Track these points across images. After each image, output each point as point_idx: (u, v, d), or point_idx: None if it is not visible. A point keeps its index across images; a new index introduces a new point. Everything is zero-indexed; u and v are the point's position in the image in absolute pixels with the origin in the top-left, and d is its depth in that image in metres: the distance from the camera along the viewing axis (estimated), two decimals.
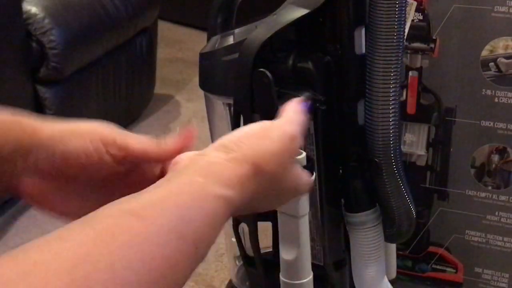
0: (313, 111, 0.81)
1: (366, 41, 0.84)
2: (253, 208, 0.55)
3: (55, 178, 0.55)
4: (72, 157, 0.55)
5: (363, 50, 0.85)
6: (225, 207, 0.47)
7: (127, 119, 2.27)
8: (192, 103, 2.46)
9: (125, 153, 0.58)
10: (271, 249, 0.94)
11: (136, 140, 0.59)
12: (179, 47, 2.95)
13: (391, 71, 0.83)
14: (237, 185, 0.49)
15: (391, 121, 0.85)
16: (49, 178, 0.55)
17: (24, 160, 0.54)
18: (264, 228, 0.92)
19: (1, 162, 0.53)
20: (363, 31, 0.84)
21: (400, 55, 0.82)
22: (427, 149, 1.22)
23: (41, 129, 0.55)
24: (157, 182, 0.46)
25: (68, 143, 0.55)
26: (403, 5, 0.81)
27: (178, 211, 0.43)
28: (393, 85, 0.83)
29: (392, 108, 0.84)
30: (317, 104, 0.81)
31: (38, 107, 1.88)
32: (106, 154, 0.57)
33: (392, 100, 0.84)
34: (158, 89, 2.48)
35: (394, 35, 0.81)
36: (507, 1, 1.09)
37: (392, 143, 0.86)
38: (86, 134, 0.56)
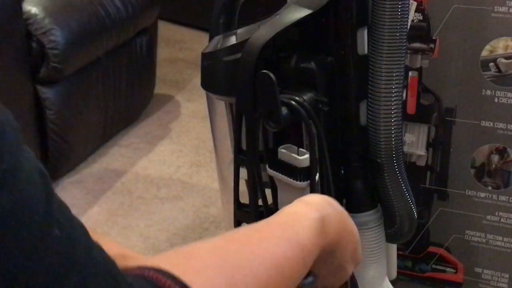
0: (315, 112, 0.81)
1: (368, 41, 0.85)
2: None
3: None
4: None
5: (366, 51, 0.85)
6: (318, 223, 0.57)
7: (127, 119, 2.27)
8: (192, 103, 2.46)
9: None
10: None
11: None
12: (179, 47, 2.94)
13: (394, 72, 0.83)
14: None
15: (393, 121, 0.85)
16: None
17: None
18: None
19: None
20: (365, 31, 0.84)
21: (402, 55, 0.83)
22: (427, 149, 1.22)
23: None
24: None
25: None
26: (406, 6, 0.81)
27: (283, 226, 0.56)
28: (396, 85, 0.84)
29: (394, 109, 0.84)
30: (320, 105, 0.81)
31: (38, 107, 1.88)
32: None
33: (395, 100, 0.84)
34: (158, 89, 2.48)
35: (397, 35, 0.81)
36: (507, 1, 1.09)
37: (394, 143, 0.86)
38: None
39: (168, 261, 0.47)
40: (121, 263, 0.46)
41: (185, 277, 0.45)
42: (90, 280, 0.39)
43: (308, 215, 0.57)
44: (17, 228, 0.36)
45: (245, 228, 0.57)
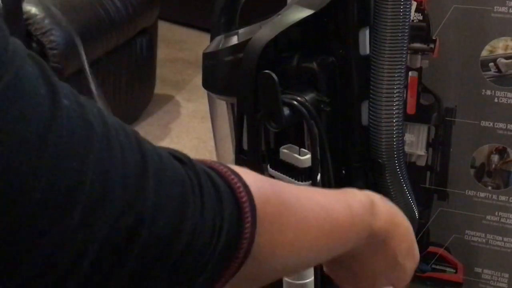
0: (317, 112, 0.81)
1: (370, 42, 0.85)
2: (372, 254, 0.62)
3: None
4: None
5: (368, 51, 0.85)
6: (369, 204, 0.59)
7: (127, 119, 2.27)
8: (192, 103, 2.46)
9: None
10: None
11: None
12: (179, 47, 2.94)
13: (396, 72, 0.83)
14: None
15: (395, 122, 0.85)
16: None
17: None
18: None
19: None
20: (367, 31, 0.85)
21: (404, 56, 0.83)
22: (427, 149, 1.22)
23: None
24: None
25: None
26: (408, 6, 0.81)
27: (336, 195, 0.58)
28: (397, 86, 0.84)
29: (396, 109, 0.84)
30: (322, 105, 0.81)
31: None
32: None
33: (396, 101, 0.84)
34: (158, 89, 2.48)
35: (399, 35, 0.81)
36: (507, 1, 1.09)
37: (396, 144, 0.86)
38: None
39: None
40: None
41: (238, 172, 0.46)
42: (111, 142, 0.39)
43: (359, 195, 0.59)
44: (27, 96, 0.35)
45: (300, 187, 0.59)
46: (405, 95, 1.18)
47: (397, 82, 0.83)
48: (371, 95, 0.85)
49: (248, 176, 0.47)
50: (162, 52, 2.63)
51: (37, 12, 1.85)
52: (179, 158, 0.44)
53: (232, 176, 0.45)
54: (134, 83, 2.25)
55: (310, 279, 0.87)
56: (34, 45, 1.84)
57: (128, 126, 0.42)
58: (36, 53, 0.38)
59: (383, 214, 0.59)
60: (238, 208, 0.44)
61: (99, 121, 0.39)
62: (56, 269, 0.37)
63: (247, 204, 0.45)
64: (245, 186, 0.45)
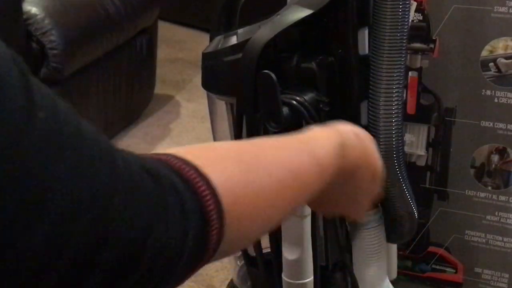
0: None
1: (369, 42, 0.85)
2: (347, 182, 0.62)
3: None
4: None
5: (367, 51, 0.85)
6: (338, 147, 0.59)
7: (127, 119, 2.27)
8: (192, 103, 2.46)
9: None
10: None
11: None
12: (179, 47, 2.95)
13: (395, 72, 0.83)
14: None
15: (394, 121, 0.85)
16: None
17: None
18: None
19: None
20: (366, 31, 0.85)
21: (403, 56, 0.83)
22: (427, 149, 1.22)
23: None
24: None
25: None
26: (407, 6, 0.81)
27: (304, 142, 0.58)
28: (396, 86, 0.84)
29: (395, 109, 0.84)
30: (321, 105, 0.81)
31: None
32: None
33: (395, 101, 0.84)
34: (158, 89, 2.48)
35: (397, 35, 0.81)
36: (507, 1, 1.09)
37: (395, 143, 0.86)
38: None
39: (186, 149, 0.49)
40: None
41: (199, 161, 0.46)
42: (83, 156, 0.39)
43: (330, 138, 0.59)
44: None
45: (266, 138, 0.59)
46: (405, 95, 1.19)
47: (396, 82, 0.83)
48: (370, 95, 0.85)
49: (216, 169, 0.47)
50: (162, 52, 2.63)
51: (37, 12, 1.85)
52: (149, 171, 0.44)
53: (200, 183, 0.45)
54: (134, 83, 2.25)
55: (309, 279, 0.87)
56: (34, 45, 1.84)
57: (104, 137, 0.42)
58: (36, 53, 0.37)
59: (353, 157, 0.60)
60: (204, 219, 0.45)
61: (74, 133, 0.39)
62: (21, 283, 0.37)
63: (214, 212, 0.45)
64: (212, 191, 0.46)
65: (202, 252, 0.46)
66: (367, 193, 0.66)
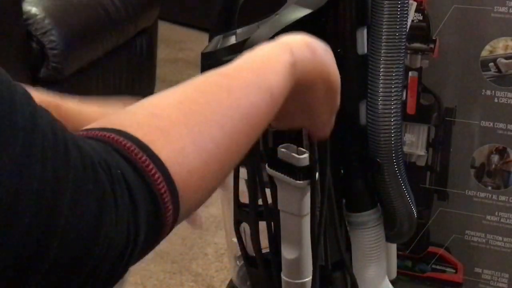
0: None
1: (368, 41, 0.85)
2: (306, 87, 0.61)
3: None
4: None
5: (365, 50, 0.85)
6: (290, 68, 0.57)
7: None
8: None
9: None
10: None
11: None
12: (179, 47, 2.95)
13: (393, 71, 0.83)
14: (298, 52, 0.59)
15: (393, 121, 0.85)
16: None
17: None
18: (265, 228, 0.92)
19: None
20: (365, 31, 0.85)
21: (401, 55, 0.83)
22: (427, 149, 1.22)
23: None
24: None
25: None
26: (405, 5, 0.81)
27: (254, 71, 0.55)
28: (395, 85, 0.84)
29: (393, 108, 0.84)
30: None
31: None
32: None
33: (394, 100, 0.84)
34: (158, 89, 2.48)
35: (396, 35, 0.81)
36: (507, 1, 1.09)
37: (394, 143, 0.86)
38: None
39: (132, 118, 0.47)
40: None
41: (148, 137, 0.45)
42: (35, 145, 0.38)
43: (281, 57, 0.57)
44: None
45: (217, 74, 0.55)
46: (405, 95, 1.18)
47: (395, 81, 0.83)
48: (368, 95, 0.85)
49: (166, 142, 0.46)
50: (162, 52, 2.63)
51: (37, 12, 1.85)
52: (101, 163, 0.42)
53: (150, 166, 0.44)
54: (134, 83, 2.25)
55: (309, 278, 0.87)
56: (34, 45, 1.84)
57: (60, 126, 0.41)
58: (36, 53, 0.37)
59: (307, 73, 0.59)
60: (156, 204, 0.44)
61: (27, 120, 0.38)
62: None
63: (167, 194, 0.44)
64: (164, 172, 0.44)
65: (158, 234, 0.45)
66: (325, 106, 0.64)
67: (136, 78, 2.27)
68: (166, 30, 2.88)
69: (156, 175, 0.44)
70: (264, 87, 0.54)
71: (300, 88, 0.59)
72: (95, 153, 0.42)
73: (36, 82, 1.88)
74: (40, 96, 0.60)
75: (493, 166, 1.19)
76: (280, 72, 0.56)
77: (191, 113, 0.49)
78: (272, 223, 0.90)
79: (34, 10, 1.85)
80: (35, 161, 0.38)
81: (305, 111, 0.64)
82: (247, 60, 0.57)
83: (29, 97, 0.40)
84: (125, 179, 0.43)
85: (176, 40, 3.01)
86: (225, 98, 0.51)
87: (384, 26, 0.81)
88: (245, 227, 0.94)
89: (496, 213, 1.20)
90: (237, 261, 1.06)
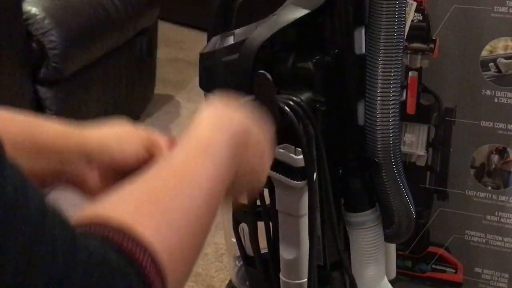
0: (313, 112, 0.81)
1: (366, 41, 0.85)
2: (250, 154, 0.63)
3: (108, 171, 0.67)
4: (130, 159, 0.67)
5: (363, 50, 0.85)
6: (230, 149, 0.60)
7: (127, 119, 2.27)
8: (192, 103, 2.46)
9: (158, 151, 0.70)
10: None
11: (162, 140, 0.73)
12: (179, 47, 2.95)
13: (391, 71, 0.83)
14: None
15: (391, 121, 0.85)
16: (105, 173, 0.67)
17: (89, 163, 0.66)
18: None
19: (69, 164, 0.65)
20: (363, 31, 0.84)
21: (399, 55, 0.83)
22: (427, 149, 1.22)
23: (91, 138, 0.67)
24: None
25: (125, 149, 0.68)
26: (403, 5, 0.81)
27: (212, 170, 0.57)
28: (393, 85, 0.84)
29: (391, 108, 0.84)
30: (317, 105, 0.81)
31: (38, 107, 1.88)
32: (148, 154, 0.69)
33: (392, 100, 0.84)
34: (158, 89, 2.48)
35: (394, 35, 0.81)
36: (507, 1, 1.09)
37: (392, 143, 0.86)
38: (135, 139, 0.70)
39: (119, 211, 0.48)
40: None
41: (142, 235, 0.47)
42: (43, 236, 0.39)
43: (222, 142, 0.60)
44: None
45: (170, 166, 0.58)
46: (405, 95, 1.18)
47: (393, 81, 0.83)
48: (366, 95, 0.85)
49: (147, 231, 0.47)
50: (162, 52, 2.63)
51: (37, 12, 1.85)
52: (105, 260, 0.44)
53: (138, 255, 0.45)
54: (134, 83, 2.25)
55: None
56: (34, 45, 1.84)
57: (65, 216, 0.42)
58: (36, 53, 0.38)
59: (243, 145, 0.61)
60: None
61: (36, 216, 0.39)
62: None
63: (157, 281, 0.46)
64: (153, 259, 0.46)
65: None
66: (258, 172, 0.67)
67: (136, 78, 2.26)
68: (166, 30, 2.88)
69: (145, 264, 0.45)
70: (218, 177, 0.57)
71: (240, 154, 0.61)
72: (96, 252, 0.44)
73: (36, 82, 1.88)
74: (14, 117, 0.63)
75: (493, 166, 1.19)
76: (226, 156, 0.59)
77: (162, 201, 0.51)
78: (271, 223, 0.90)
79: (34, 10, 1.85)
80: (43, 248, 0.39)
81: (248, 173, 0.66)
82: (197, 146, 0.61)
83: (37, 188, 0.41)
84: (123, 275, 0.44)
85: (176, 40, 3.01)
86: (189, 184, 0.54)
87: (382, 26, 0.81)
88: (244, 227, 0.94)
89: (496, 213, 1.20)
90: (237, 261, 1.06)
